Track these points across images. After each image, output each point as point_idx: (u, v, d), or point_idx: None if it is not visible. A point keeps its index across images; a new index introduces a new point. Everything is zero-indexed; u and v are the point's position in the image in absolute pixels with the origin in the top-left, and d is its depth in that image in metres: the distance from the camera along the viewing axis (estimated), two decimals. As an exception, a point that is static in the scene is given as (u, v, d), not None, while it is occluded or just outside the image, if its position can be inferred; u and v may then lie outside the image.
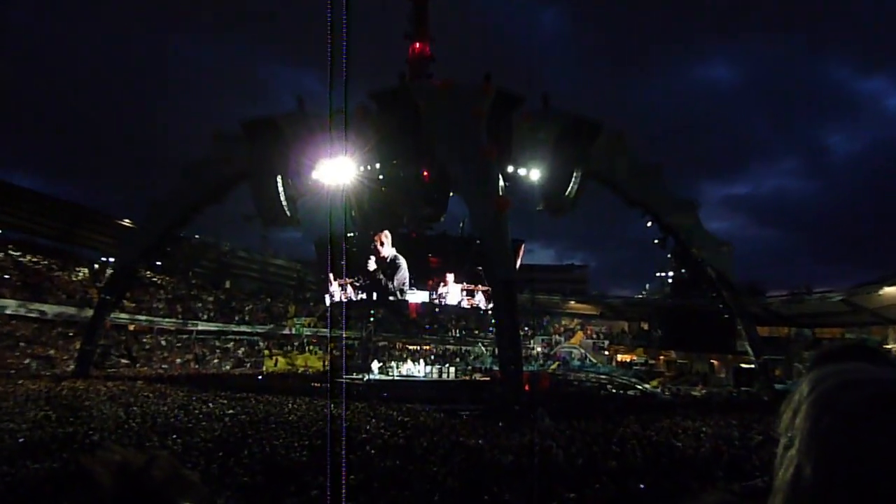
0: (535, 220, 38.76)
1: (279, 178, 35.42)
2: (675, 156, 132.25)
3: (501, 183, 32.67)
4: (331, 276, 32.77)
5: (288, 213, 36.28)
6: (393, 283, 32.20)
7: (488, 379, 37.98)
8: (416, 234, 35.41)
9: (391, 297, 32.71)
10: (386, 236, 32.17)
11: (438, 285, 32.87)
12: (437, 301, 33.22)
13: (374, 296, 33.10)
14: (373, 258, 32.25)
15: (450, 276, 32.92)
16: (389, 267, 32.25)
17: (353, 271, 33.31)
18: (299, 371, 50.30)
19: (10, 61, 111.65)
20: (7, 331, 44.37)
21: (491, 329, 63.45)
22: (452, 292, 33.26)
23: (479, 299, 33.63)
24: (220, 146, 37.75)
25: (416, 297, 33.08)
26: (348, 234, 33.33)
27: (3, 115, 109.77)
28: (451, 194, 36.35)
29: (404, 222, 37.75)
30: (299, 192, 36.63)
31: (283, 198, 35.68)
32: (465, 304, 33.98)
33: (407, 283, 32.53)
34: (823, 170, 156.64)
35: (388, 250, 32.21)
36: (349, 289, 33.54)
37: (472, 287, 33.28)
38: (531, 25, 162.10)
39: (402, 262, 32.21)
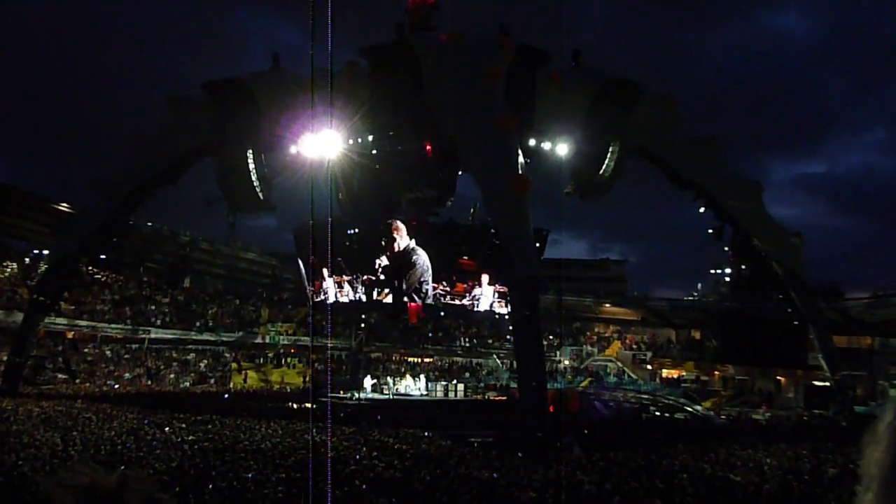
0: (563, 205, 38.66)
1: (250, 153, 35.43)
2: (736, 126, 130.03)
3: (521, 159, 32.52)
4: (325, 272, 33.04)
5: (261, 195, 36.31)
6: (405, 282, 32.46)
7: (504, 399, 38.23)
8: (416, 222, 35.00)
9: (404, 300, 33.04)
10: (400, 227, 32.54)
11: (473, 288, 33.47)
12: (472, 306, 33.83)
13: (387, 296, 33.22)
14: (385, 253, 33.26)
15: (485, 278, 33.36)
16: (402, 263, 32.54)
17: (352, 267, 33.51)
18: (274, 388, 50.74)
19: None
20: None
21: (508, 338, 63.90)
22: (486, 295, 33.86)
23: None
24: (178, 114, 37.69)
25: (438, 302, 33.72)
26: (350, 231, 33.51)
27: None
28: (460, 173, 36.21)
29: (402, 207, 37.65)
30: (274, 170, 36.86)
31: (254, 177, 35.68)
32: (497, 307, 34.46)
33: (429, 283, 32.74)
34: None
35: (403, 242, 32.52)
36: (347, 288, 33.91)
37: (506, 290, 33.42)
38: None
39: (420, 257, 32.42)
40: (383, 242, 32.76)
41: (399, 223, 33.05)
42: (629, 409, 44.38)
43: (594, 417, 35.81)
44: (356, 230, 34.56)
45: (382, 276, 34.05)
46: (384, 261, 33.10)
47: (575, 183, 36.93)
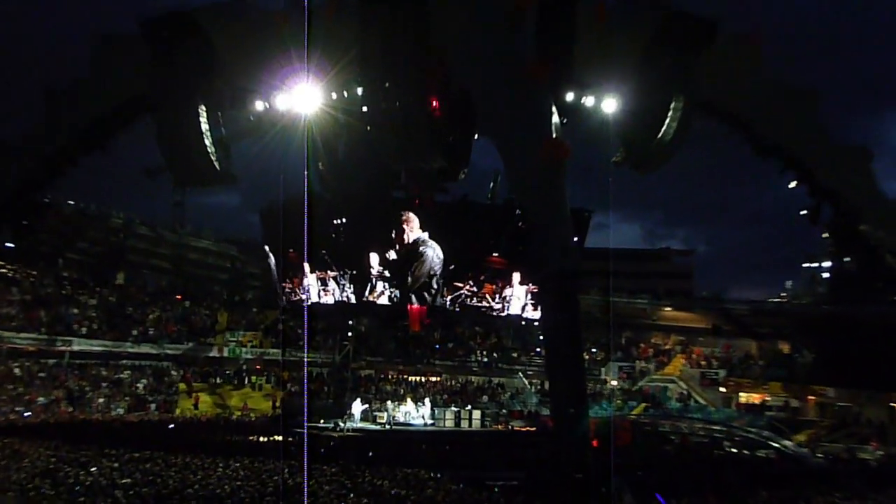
0: (611, 179, 37.18)
1: (203, 110, 34.59)
2: (840, 77, 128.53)
3: (556, 119, 32.29)
4: (306, 267, 33.59)
5: (217, 165, 35.60)
6: (409, 277, 33.37)
7: (534, 429, 38.32)
8: (420, 201, 35.18)
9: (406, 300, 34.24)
10: (412, 220, 33.55)
11: (504, 288, 34.25)
12: (502, 310, 34.57)
13: (381, 296, 34.06)
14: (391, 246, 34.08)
15: (516, 276, 34.10)
16: (408, 256, 33.26)
17: (339, 261, 34.25)
18: (235, 416, 50.78)
19: None
20: None
21: (538, 350, 64.17)
22: (518, 297, 34.62)
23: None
24: (108, 59, 37.40)
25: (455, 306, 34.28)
26: (336, 221, 33.95)
27: None
28: (476, 137, 35.88)
29: (401, 181, 37.53)
30: (235, 132, 36.30)
31: (208, 141, 34.90)
32: (529, 312, 35.12)
33: (437, 278, 33.23)
34: None
35: (415, 233, 33.53)
36: (332, 285, 34.51)
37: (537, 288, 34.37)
38: None
39: (430, 249, 33.15)
40: (393, 234, 33.37)
41: (412, 216, 33.85)
42: (697, 444, 44.10)
43: (651, 454, 35.93)
44: (342, 220, 35.05)
45: (386, 273, 34.45)
46: (390, 255, 33.77)
47: (626, 149, 36.38)
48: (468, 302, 34.09)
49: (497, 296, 34.24)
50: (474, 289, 34.11)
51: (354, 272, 34.99)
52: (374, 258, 34.79)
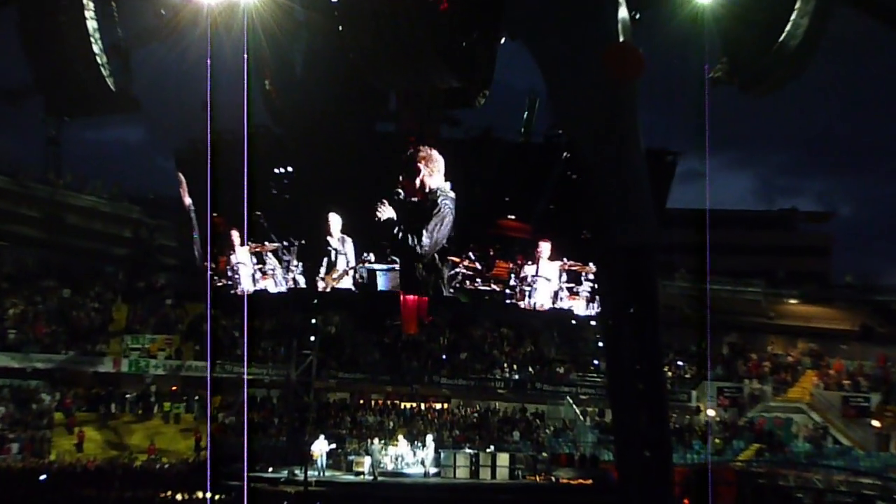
0: (708, 105, 35.26)
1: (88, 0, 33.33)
2: None
3: (624, 13, 30.53)
4: (234, 237, 33.13)
5: (110, 83, 34.58)
6: (422, 242, 31.61)
7: (589, 482, 37.40)
8: (418, 138, 33.66)
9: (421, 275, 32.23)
10: (434, 158, 31.96)
11: (523, 267, 32.69)
12: (520, 297, 33.18)
13: (342, 279, 32.83)
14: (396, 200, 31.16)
15: (544, 248, 32.58)
16: (421, 211, 31.38)
17: (280, 230, 33.14)
18: (137, 463, 50.09)
19: None
20: None
21: (597, 363, 63.12)
22: (548, 278, 33.02)
23: (587, 291, 32.63)
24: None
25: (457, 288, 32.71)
26: (280, 170, 32.99)
27: None
28: (503, 41, 35.02)
29: (390, 108, 36.58)
30: (137, 33, 34.70)
31: (97, 47, 33.71)
32: (563, 300, 33.51)
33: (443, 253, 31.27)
34: None
35: (434, 182, 31.57)
36: (272, 264, 33.54)
37: (578, 266, 32.76)
38: None
39: (449, 204, 31.70)
40: (401, 179, 31.52)
41: (434, 153, 32.30)
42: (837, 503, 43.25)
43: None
44: (287, 168, 33.61)
45: (344, 247, 33.25)
46: (385, 212, 31.25)
47: (730, 61, 34.83)
48: (469, 285, 33.04)
49: (514, 276, 33.29)
50: (477, 266, 33.06)
51: (303, 242, 33.70)
52: (334, 222, 33.61)
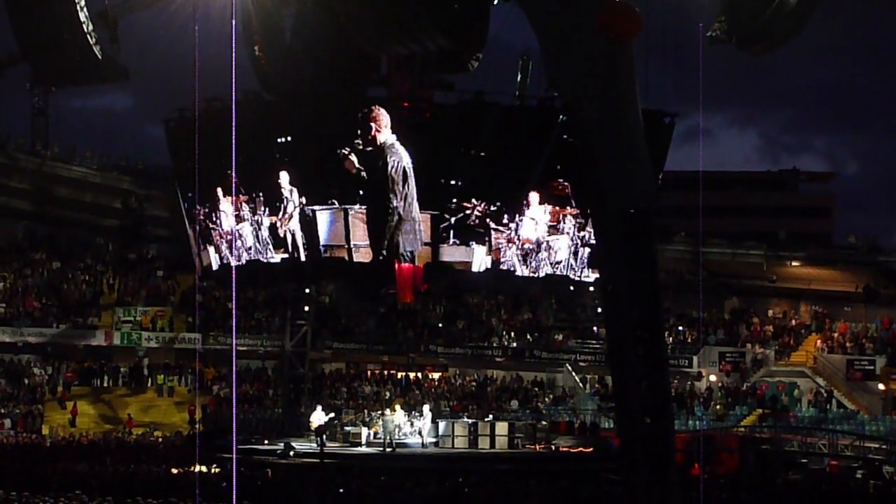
0: (706, 64, 35.53)
1: None
2: None
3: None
4: (220, 193, 33.83)
5: (97, 52, 35.16)
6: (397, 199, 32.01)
7: (590, 450, 37.18)
8: (409, 104, 34.76)
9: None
10: (382, 116, 32.41)
11: (515, 217, 32.97)
12: (509, 232, 33.42)
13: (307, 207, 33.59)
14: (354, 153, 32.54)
15: (533, 198, 33.06)
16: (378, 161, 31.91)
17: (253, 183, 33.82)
18: (132, 436, 50.93)
19: None
20: None
21: (596, 330, 62.96)
22: (536, 221, 33.80)
23: (568, 229, 33.86)
24: None
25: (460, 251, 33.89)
26: (282, 140, 33.68)
27: None
28: (495, 1, 35.57)
29: (381, 72, 36.83)
30: (124, 2, 36.29)
31: (83, 15, 34.33)
32: (546, 234, 34.67)
33: (416, 206, 32.25)
34: None
35: (384, 135, 32.26)
36: (245, 213, 34.53)
37: (559, 210, 33.39)
38: None
39: (404, 155, 32.11)
40: (358, 140, 32.36)
41: (381, 111, 32.34)
42: (841, 471, 43.14)
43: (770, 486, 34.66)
44: (288, 139, 34.22)
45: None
46: (354, 161, 31.83)
47: (729, 18, 35.37)
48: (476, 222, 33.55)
49: (506, 216, 34.14)
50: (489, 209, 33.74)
51: (261, 195, 34.53)
52: (283, 176, 34.82)
